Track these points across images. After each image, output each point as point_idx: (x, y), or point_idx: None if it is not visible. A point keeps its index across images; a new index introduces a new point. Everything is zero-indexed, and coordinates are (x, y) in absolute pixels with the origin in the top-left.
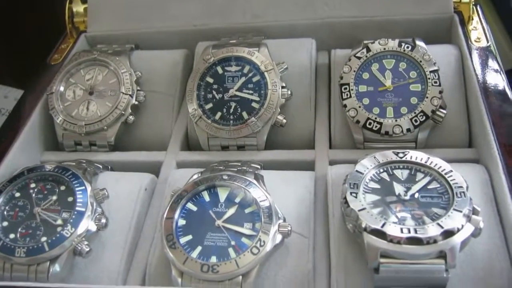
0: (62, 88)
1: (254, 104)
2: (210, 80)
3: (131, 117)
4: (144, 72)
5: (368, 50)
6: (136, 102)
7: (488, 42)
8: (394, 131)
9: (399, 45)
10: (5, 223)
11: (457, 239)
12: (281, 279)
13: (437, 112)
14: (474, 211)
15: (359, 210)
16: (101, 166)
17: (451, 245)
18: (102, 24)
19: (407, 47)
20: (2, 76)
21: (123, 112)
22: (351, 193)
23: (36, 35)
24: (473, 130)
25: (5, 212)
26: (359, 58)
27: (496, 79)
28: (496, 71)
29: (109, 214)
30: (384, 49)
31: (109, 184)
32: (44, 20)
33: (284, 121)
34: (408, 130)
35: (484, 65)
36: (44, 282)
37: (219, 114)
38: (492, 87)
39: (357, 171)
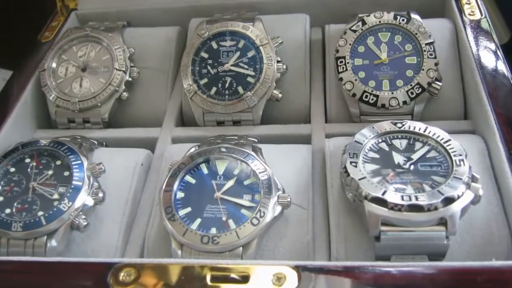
0: (54, 65)
1: (249, 79)
2: (205, 55)
3: (125, 93)
4: (137, 49)
5: (364, 23)
6: (130, 79)
7: (482, 15)
8: (390, 103)
9: (395, 18)
10: (0, 198)
11: (457, 206)
12: (281, 250)
13: (433, 84)
14: (473, 179)
15: (360, 179)
16: (96, 142)
17: (452, 212)
18: (92, 2)
19: (403, 20)
20: None
21: (117, 89)
22: (351, 162)
23: (22, 14)
24: (468, 102)
25: (0, 188)
26: (354, 31)
27: (490, 51)
28: (490, 43)
29: (106, 189)
30: (380, 22)
31: (105, 159)
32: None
33: (280, 95)
34: (405, 102)
35: (479, 37)
36: (41, 257)
37: (214, 89)
38: (487, 59)
39: (356, 141)
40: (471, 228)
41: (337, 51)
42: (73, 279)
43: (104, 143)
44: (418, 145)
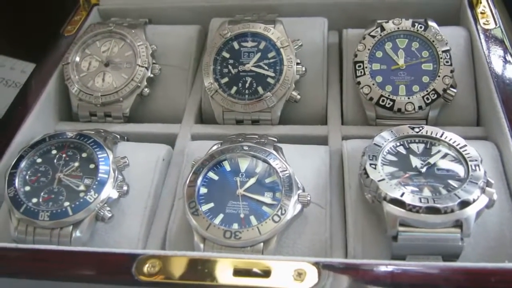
0: (77, 59)
1: (269, 80)
2: (226, 55)
3: (146, 89)
4: (158, 46)
5: (382, 29)
6: (152, 75)
7: (496, 24)
8: (406, 108)
9: (413, 25)
10: (27, 188)
11: (473, 209)
12: (300, 247)
13: (448, 91)
14: (488, 184)
15: (379, 181)
16: (118, 136)
17: (467, 214)
18: None
19: (420, 27)
20: (8, 48)
21: (138, 84)
22: (370, 164)
23: (42, 7)
24: (481, 109)
25: (27, 177)
26: (373, 36)
27: (504, 59)
28: (505, 52)
29: (128, 182)
30: (398, 28)
31: (127, 153)
32: None
33: (298, 97)
34: (420, 107)
35: (493, 46)
36: (67, 246)
37: (234, 88)
38: (501, 67)
39: (375, 144)
40: (485, 231)
41: (356, 55)
42: (97, 269)
43: (125, 137)
44: (434, 149)
